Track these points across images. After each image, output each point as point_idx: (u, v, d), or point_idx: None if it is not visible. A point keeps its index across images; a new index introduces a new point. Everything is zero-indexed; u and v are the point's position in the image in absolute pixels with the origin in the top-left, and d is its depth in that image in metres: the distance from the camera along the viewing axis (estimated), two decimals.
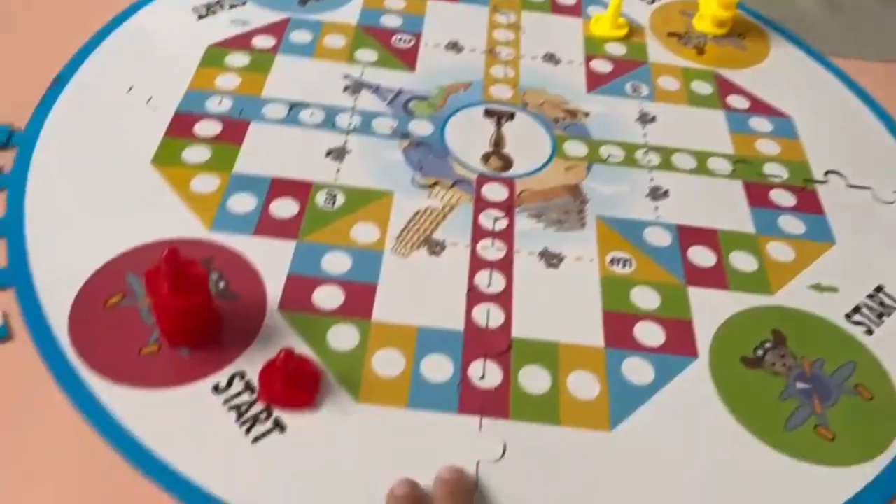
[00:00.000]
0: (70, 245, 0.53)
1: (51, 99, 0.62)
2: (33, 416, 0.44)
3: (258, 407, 0.46)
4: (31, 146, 0.59)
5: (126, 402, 0.45)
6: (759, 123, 0.69)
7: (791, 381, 0.50)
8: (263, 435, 0.45)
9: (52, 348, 0.47)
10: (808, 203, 0.63)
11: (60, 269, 0.51)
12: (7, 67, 0.65)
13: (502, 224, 0.58)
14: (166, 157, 0.59)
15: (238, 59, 0.68)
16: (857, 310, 0.55)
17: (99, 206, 0.55)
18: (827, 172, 0.65)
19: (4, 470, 0.42)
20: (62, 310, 0.49)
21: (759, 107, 0.71)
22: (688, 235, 0.59)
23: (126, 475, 0.42)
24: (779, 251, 0.58)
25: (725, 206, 0.61)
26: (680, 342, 0.52)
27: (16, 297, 0.49)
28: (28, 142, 0.59)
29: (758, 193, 0.63)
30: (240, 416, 0.45)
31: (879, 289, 0.57)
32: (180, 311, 0.46)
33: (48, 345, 0.47)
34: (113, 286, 0.50)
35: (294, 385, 0.46)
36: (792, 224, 0.61)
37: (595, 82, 0.72)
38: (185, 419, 0.45)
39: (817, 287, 0.56)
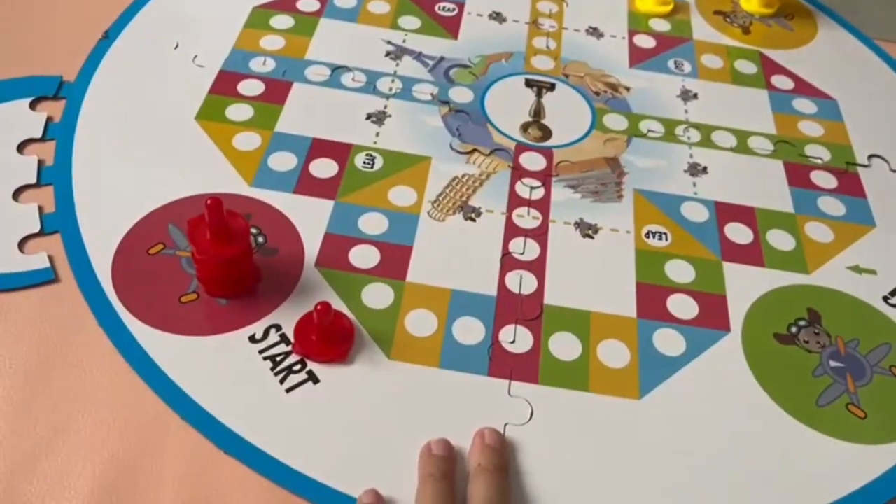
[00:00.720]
0: (115, 194, 0.54)
1: (100, 53, 0.64)
2: (78, 356, 0.46)
3: (293, 358, 0.47)
4: (79, 98, 0.60)
5: (165, 347, 0.46)
6: (803, 105, 0.68)
7: (824, 359, 0.50)
8: (297, 385, 0.45)
9: (97, 292, 0.48)
10: (850, 186, 0.62)
11: (105, 217, 0.52)
12: (58, 21, 0.66)
13: (539, 193, 0.58)
14: (210, 113, 0.60)
15: (282, 20, 0.69)
16: (895, 293, 0.54)
17: (143, 158, 0.56)
18: (870, 156, 0.64)
19: (51, 406, 0.44)
20: (106, 256, 0.50)
21: (804, 88, 0.70)
22: (725, 212, 0.58)
23: (164, 416, 0.44)
24: (817, 231, 0.58)
25: (764, 185, 0.61)
26: (713, 316, 0.52)
27: (62, 241, 0.51)
28: (77, 94, 0.60)
29: (798, 174, 0.62)
30: (275, 365, 0.46)
31: None
32: (220, 260, 0.47)
33: (92, 288, 0.48)
34: (155, 235, 0.52)
35: (328, 338, 0.47)
36: (832, 205, 0.60)
37: (638, 57, 0.71)
38: (222, 366, 0.46)
39: (855, 269, 0.56)
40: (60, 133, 0.57)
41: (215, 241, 0.46)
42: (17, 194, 0.53)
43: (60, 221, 0.52)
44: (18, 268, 0.49)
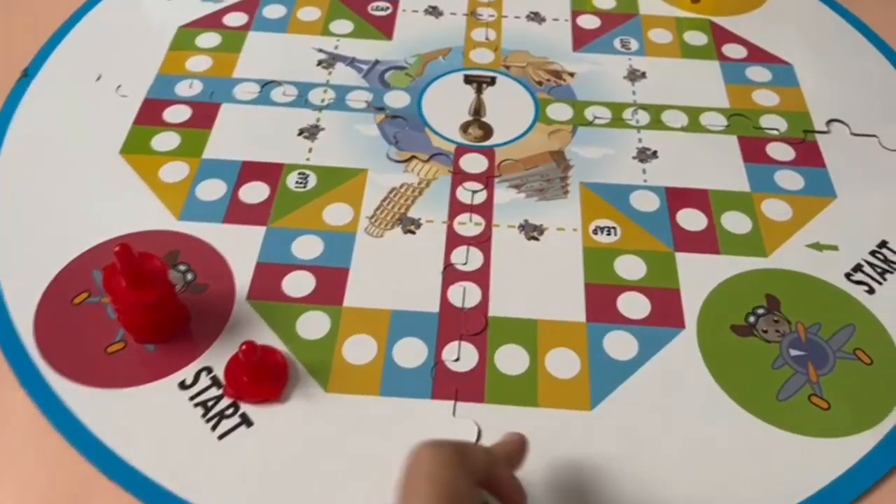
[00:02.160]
0: (37, 241, 0.52)
1: (19, 92, 0.61)
2: None
3: (225, 402, 0.45)
4: None
5: (93, 404, 0.44)
6: (757, 73, 0.66)
7: (784, 349, 0.48)
8: (230, 431, 0.44)
9: (17, 350, 0.46)
10: (808, 156, 0.59)
11: (27, 267, 0.50)
12: None
13: (481, 197, 0.56)
14: (135, 145, 0.58)
15: (209, 38, 0.66)
16: (858, 268, 0.52)
17: (67, 200, 0.54)
18: (829, 122, 0.61)
19: None
20: (28, 309, 0.48)
21: (757, 55, 0.67)
22: (677, 198, 0.56)
23: (93, 478, 0.42)
24: (775, 209, 0.55)
25: (718, 164, 0.58)
26: (666, 312, 0.49)
27: None
28: None
29: (753, 148, 0.59)
30: (206, 412, 0.44)
31: (883, 244, 0.53)
32: (140, 307, 0.45)
33: (13, 346, 0.47)
34: (79, 283, 0.50)
35: (259, 378, 0.45)
36: (790, 179, 0.57)
37: (582, 39, 0.68)
38: (152, 418, 0.44)
39: (816, 246, 0.53)
40: None
41: (131, 287, 0.44)
42: None
43: None
44: None
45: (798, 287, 0.51)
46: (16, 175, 0.56)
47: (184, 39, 0.66)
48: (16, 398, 0.45)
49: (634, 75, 0.65)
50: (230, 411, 0.44)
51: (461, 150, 0.59)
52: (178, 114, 0.60)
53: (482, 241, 0.53)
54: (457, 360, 0.47)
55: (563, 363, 0.47)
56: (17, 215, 0.53)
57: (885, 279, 0.51)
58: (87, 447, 0.43)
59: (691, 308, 0.49)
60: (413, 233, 0.53)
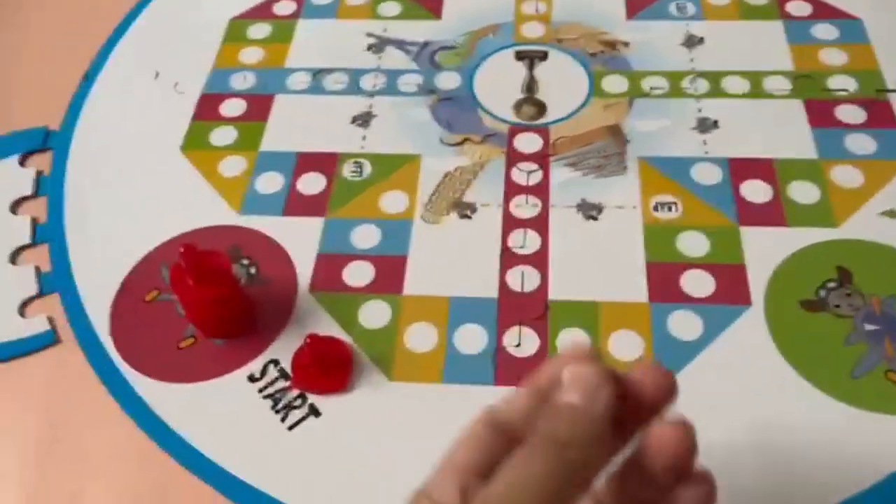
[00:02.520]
0: (108, 243, 0.54)
1: (81, 96, 0.63)
2: (85, 419, 0.46)
3: (293, 393, 0.46)
4: (66, 146, 0.60)
5: (169, 399, 0.46)
6: (824, 31, 0.62)
7: (858, 323, 0.46)
8: (299, 422, 0.45)
9: (97, 350, 0.48)
10: (881, 117, 0.56)
11: (100, 269, 0.52)
12: (36, 71, 0.66)
13: (537, 177, 0.55)
14: (194, 141, 0.59)
15: (260, 29, 0.67)
16: None
17: (133, 200, 0.56)
18: None
19: (61, 472, 0.44)
20: (104, 310, 0.50)
21: (823, 11, 0.64)
22: (740, 169, 0.54)
23: (173, 471, 0.44)
24: (845, 176, 0.53)
25: (783, 131, 0.56)
26: (731, 290, 0.48)
27: (61, 301, 0.51)
28: (63, 142, 0.60)
29: (821, 112, 0.57)
30: (275, 403, 0.45)
31: None
32: (207, 303, 0.46)
33: (93, 347, 0.49)
34: (149, 281, 0.51)
35: (325, 369, 0.46)
36: (860, 143, 0.55)
37: (636, 6, 0.66)
38: (224, 411, 0.46)
39: (890, 213, 0.51)
40: (51, 186, 0.57)
41: (197, 285, 0.45)
42: (14, 256, 0.54)
43: (58, 280, 0.52)
44: (20, 334, 0.49)
45: (871, 258, 0.49)
46: (85, 178, 0.58)
47: (236, 31, 0.67)
48: (101, 398, 0.46)
49: (692, 41, 0.63)
50: (298, 402, 0.45)
51: (515, 129, 0.58)
52: (234, 107, 0.61)
53: (539, 223, 0.52)
54: (518, 345, 0.47)
55: (626, 345, 0.46)
56: (87, 218, 0.55)
57: None
58: (166, 440, 0.45)
59: (758, 284, 0.48)
60: (469, 217, 0.53)
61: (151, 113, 0.61)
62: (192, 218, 0.54)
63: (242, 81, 0.63)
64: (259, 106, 0.61)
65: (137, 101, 0.62)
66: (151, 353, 0.48)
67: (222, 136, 0.59)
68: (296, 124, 0.60)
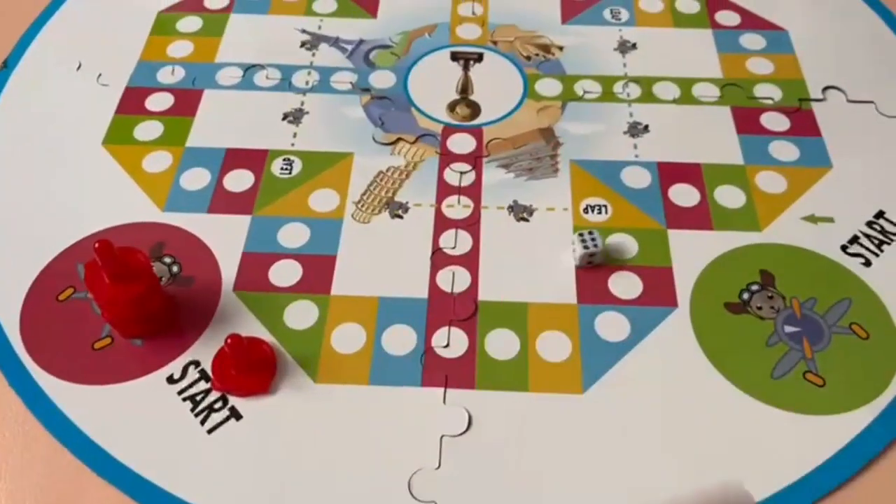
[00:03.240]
0: (22, 240, 0.51)
1: None
2: None
3: (214, 396, 0.44)
4: None
5: (82, 401, 0.44)
6: (751, 40, 0.64)
7: (779, 325, 0.47)
8: (219, 425, 0.43)
9: (5, 349, 0.46)
10: (803, 125, 0.58)
11: (12, 265, 0.50)
12: None
13: (469, 178, 0.55)
14: (118, 135, 0.57)
15: (190, 23, 0.65)
16: (854, 240, 0.51)
17: (51, 194, 0.54)
18: (825, 89, 0.60)
19: None
20: (14, 308, 0.48)
21: (751, 21, 0.65)
22: (669, 173, 0.55)
23: (84, 476, 0.42)
24: (769, 181, 0.54)
25: (711, 137, 0.57)
26: (658, 292, 0.48)
27: None
28: None
29: (747, 119, 0.58)
30: (195, 406, 0.44)
31: (880, 214, 0.52)
32: (124, 302, 0.44)
33: (1, 347, 0.46)
34: (64, 279, 0.49)
35: (247, 370, 0.44)
36: (784, 150, 0.56)
37: (571, 11, 0.67)
38: (142, 414, 0.44)
39: (811, 218, 0.52)
40: None
41: (114, 283, 0.43)
42: None
43: None
44: None
45: (793, 261, 0.50)
46: (1, 170, 0.55)
47: (164, 24, 0.65)
48: (7, 399, 0.44)
49: (625, 47, 0.63)
50: (219, 405, 0.44)
51: (448, 130, 0.58)
52: (160, 101, 0.59)
53: (471, 224, 0.52)
54: (446, 346, 0.46)
55: (554, 346, 0.46)
56: (3, 214, 0.53)
57: (881, 251, 0.50)
58: (78, 445, 0.43)
59: (684, 286, 0.49)
60: (401, 217, 0.52)
61: (73, 105, 0.59)
62: (114, 214, 0.52)
63: (170, 75, 0.61)
64: (187, 100, 0.59)
65: (58, 92, 0.60)
66: (65, 353, 0.46)
67: (147, 130, 0.57)
68: (225, 120, 0.58)
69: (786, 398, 0.44)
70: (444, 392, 0.45)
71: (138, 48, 0.63)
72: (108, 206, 0.53)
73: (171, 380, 0.45)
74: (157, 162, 0.55)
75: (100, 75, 0.61)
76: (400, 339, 0.47)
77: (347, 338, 0.47)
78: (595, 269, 0.49)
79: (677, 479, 0.42)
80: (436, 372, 0.45)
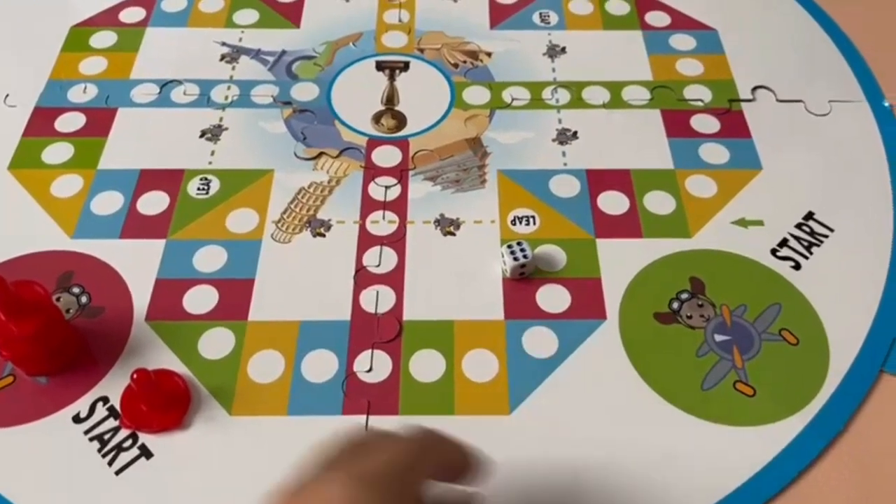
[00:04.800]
0: None
1: None
2: None
3: (123, 433, 0.42)
4: None
5: None
6: (681, 41, 0.63)
7: (709, 334, 0.46)
8: (128, 465, 0.41)
9: None
10: (733, 127, 0.57)
11: None
12: None
13: (395, 192, 0.53)
14: (24, 159, 0.54)
15: (104, 38, 0.63)
16: (784, 243, 0.50)
17: None
18: (754, 89, 0.59)
19: None
20: None
21: (681, 21, 0.65)
22: (598, 180, 0.53)
23: None
24: (699, 186, 0.53)
25: (641, 142, 0.56)
26: (587, 304, 0.47)
27: None
28: None
29: (677, 122, 0.57)
30: (102, 446, 0.42)
31: (809, 216, 0.52)
32: (23, 339, 0.42)
33: None
34: None
35: (156, 406, 0.42)
36: (714, 153, 0.55)
37: (499, 16, 0.65)
38: (45, 457, 0.41)
39: (741, 222, 0.51)
40: None
41: (11, 319, 0.41)
42: None
43: None
44: None
45: (723, 267, 0.49)
46: None
47: (77, 40, 0.62)
48: None
49: (554, 51, 0.62)
50: (128, 443, 0.42)
51: (373, 142, 0.56)
52: (71, 122, 0.57)
53: (396, 240, 0.50)
54: (369, 370, 0.45)
55: (480, 366, 0.45)
56: None
57: (811, 253, 0.50)
58: None
59: (613, 297, 0.48)
60: (323, 235, 0.51)
61: None
62: (19, 243, 0.50)
63: (82, 93, 0.58)
64: (99, 120, 0.57)
65: None
66: None
67: (56, 153, 0.55)
68: (140, 140, 0.56)
69: (716, 410, 0.43)
70: (367, 419, 0.43)
71: (48, 65, 0.60)
72: (13, 234, 0.50)
73: (77, 419, 0.43)
74: (67, 186, 0.53)
75: (7, 96, 0.58)
76: (321, 366, 0.45)
77: (265, 366, 0.45)
78: (522, 282, 0.48)
79: (608, 494, 0.40)
80: (358, 398, 0.44)
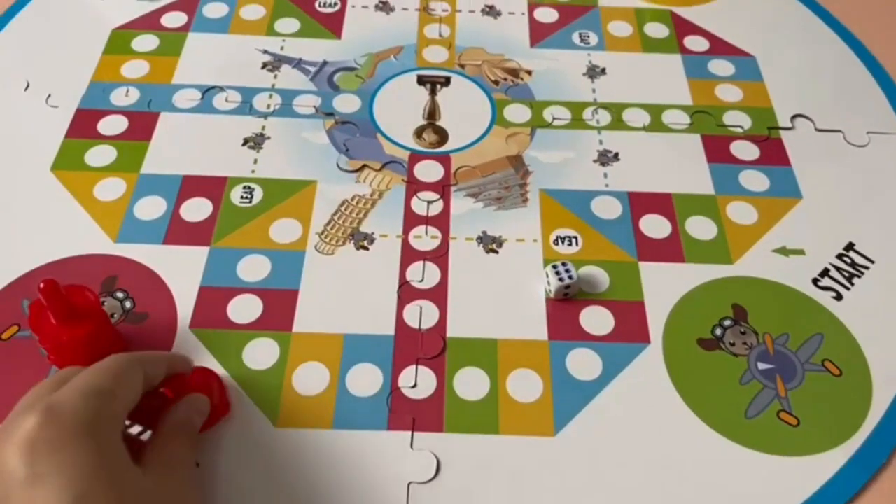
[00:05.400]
0: None
1: None
2: None
3: None
4: None
5: None
6: (719, 66, 0.63)
7: (752, 362, 0.46)
8: None
9: None
10: (773, 154, 0.57)
11: None
12: None
13: (437, 208, 0.53)
14: (67, 161, 0.54)
15: (146, 41, 0.63)
16: (825, 273, 0.50)
17: None
18: (794, 117, 0.60)
19: None
20: None
21: (719, 47, 0.65)
22: (640, 203, 0.54)
23: None
24: (740, 212, 0.53)
25: (681, 166, 0.56)
26: (631, 327, 0.47)
27: None
28: None
29: (717, 147, 0.58)
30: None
31: (850, 247, 0.52)
32: (72, 344, 0.42)
33: None
34: (8, 316, 0.46)
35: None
36: (755, 179, 0.56)
37: (539, 34, 0.66)
38: None
39: (782, 251, 0.52)
40: None
41: (61, 324, 0.41)
42: None
43: None
44: None
45: (765, 295, 0.49)
46: None
47: (118, 43, 0.62)
48: None
49: (594, 72, 0.63)
50: None
51: (415, 157, 0.56)
52: (114, 125, 0.57)
53: (439, 256, 0.50)
54: (414, 386, 0.45)
55: (525, 386, 0.45)
56: None
57: (852, 284, 0.50)
58: None
59: (656, 322, 0.48)
60: (366, 249, 0.51)
61: (19, 127, 0.56)
62: (62, 246, 0.50)
63: (124, 97, 0.58)
64: (142, 124, 0.57)
65: (4, 113, 0.57)
66: (6, 399, 0.43)
67: (99, 155, 0.55)
68: (182, 145, 0.56)
69: (760, 439, 0.43)
70: (412, 436, 0.43)
71: (91, 67, 0.60)
72: (57, 236, 0.50)
73: None
74: (110, 189, 0.53)
75: (49, 96, 0.58)
76: (365, 379, 0.45)
77: (310, 378, 0.45)
78: (566, 303, 0.48)
79: None
80: (403, 414, 0.44)
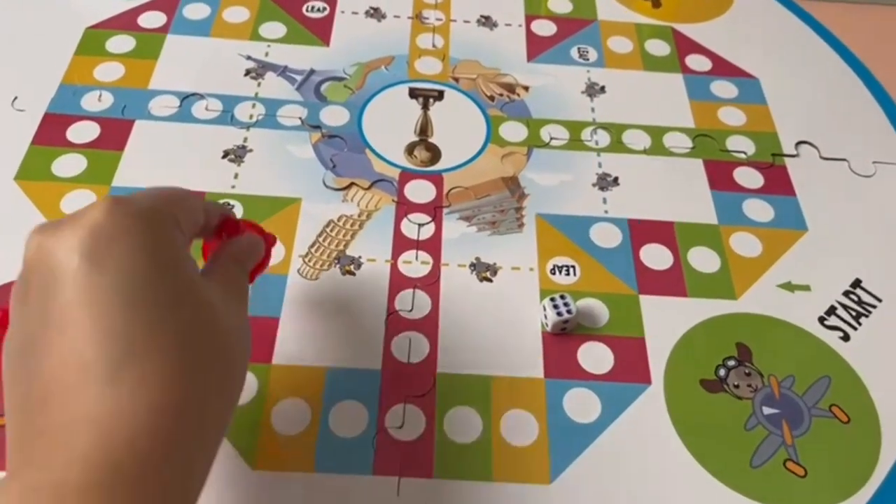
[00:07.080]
0: None
1: None
2: None
3: None
4: None
5: None
6: (722, 88, 0.61)
7: (757, 406, 0.44)
8: None
9: None
10: (777, 182, 0.55)
11: None
12: None
13: (428, 231, 0.50)
14: (33, 170, 0.51)
15: (121, 42, 0.59)
16: (831, 311, 0.48)
17: None
18: (798, 144, 0.58)
19: None
20: None
21: (722, 67, 0.63)
22: (640, 231, 0.51)
23: None
24: (744, 244, 0.51)
25: (683, 192, 0.54)
26: (631, 366, 0.45)
27: None
28: None
29: (720, 174, 0.55)
30: None
31: (857, 283, 0.50)
32: None
33: None
34: None
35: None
36: (759, 209, 0.53)
37: (537, 48, 0.63)
38: None
39: (787, 286, 0.49)
40: None
41: None
42: None
43: None
44: None
45: (770, 334, 0.47)
46: None
47: (92, 43, 0.59)
48: None
49: (593, 90, 0.60)
50: None
51: (406, 175, 0.53)
52: (84, 131, 0.53)
53: (429, 284, 0.48)
54: (401, 426, 0.42)
55: (519, 428, 0.42)
56: None
57: (859, 324, 0.48)
58: None
59: (658, 360, 0.45)
60: (353, 274, 0.48)
61: None
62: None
63: (97, 101, 0.55)
64: (115, 132, 0.53)
65: None
66: None
67: (68, 165, 0.51)
68: (158, 156, 0.52)
69: (766, 490, 0.41)
70: (399, 481, 0.40)
71: (61, 69, 0.57)
72: (19, 251, 0.46)
73: None
74: (78, 203, 0.49)
75: (15, 98, 0.54)
76: (350, 418, 0.42)
77: (290, 416, 0.42)
78: (563, 338, 0.46)
79: None
80: (389, 457, 0.41)
